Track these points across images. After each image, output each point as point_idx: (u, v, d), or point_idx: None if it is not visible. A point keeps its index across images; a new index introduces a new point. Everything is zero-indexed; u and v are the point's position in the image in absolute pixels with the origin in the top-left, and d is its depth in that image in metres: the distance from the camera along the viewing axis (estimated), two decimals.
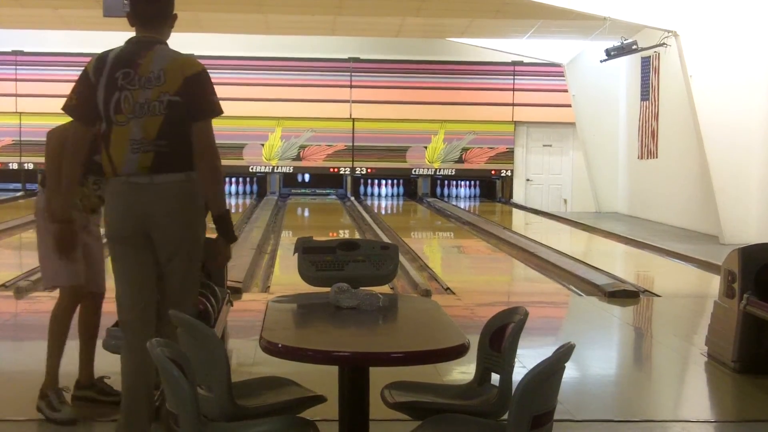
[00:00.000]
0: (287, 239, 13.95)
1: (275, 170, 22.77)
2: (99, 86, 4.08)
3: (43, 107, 20.99)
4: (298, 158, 22.80)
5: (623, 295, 9.03)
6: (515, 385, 2.94)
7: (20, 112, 21.75)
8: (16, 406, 5.07)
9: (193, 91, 4.06)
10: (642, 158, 19.16)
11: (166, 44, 4.19)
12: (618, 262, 13.25)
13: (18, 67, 21.86)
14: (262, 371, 4.52)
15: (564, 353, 2.96)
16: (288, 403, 3.51)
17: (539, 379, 2.89)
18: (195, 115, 4.07)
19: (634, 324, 8.62)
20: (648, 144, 18.73)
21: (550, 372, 2.93)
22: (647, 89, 18.65)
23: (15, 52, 21.79)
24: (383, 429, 4.06)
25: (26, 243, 13.47)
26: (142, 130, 4.03)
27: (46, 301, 8.05)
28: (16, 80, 21.85)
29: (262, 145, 22.41)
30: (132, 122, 4.04)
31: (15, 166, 22.16)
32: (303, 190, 23.61)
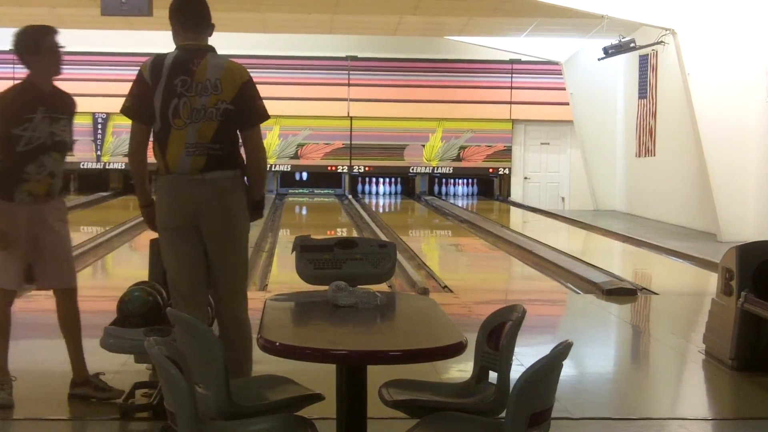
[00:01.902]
0: (285, 238, 13.94)
1: (273, 168, 22.76)
2: (156, 90, 4.36)
3: None
4: (295, 156, 22.80)
5: (621, 292, 9.04)
6: (513, 383, 2.94)
7: None
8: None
9: (245, 99, 4.44)
10: (640, 156, 19.16)
11: (215, 51, 4.52)
12: (616, 259, 13.26)
13: (16, 66, 21.77)
14: (260, 369, 4.51)
15: (562, 351, 2.96)
16: (286, 401, 3.51)
17: (537, 377, 2.89)
18: (247, 122, 4.47)
19: (632, 322, 8.63)
20: (646, 142, 18.74)
21: (547, 370, 2.93)
22: (645, 87, 18.65)
23: (13, 51, 21.70)
24: (381, 427, 4.06)
25: None
26: (198, 134, 4.37)
27: (42, 300, 8.04)
28: (13, 79, 21.75)
29: None
30: (189, 127, 4.36)
31: None
32: (300, 189, 23.60)
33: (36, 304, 7.87)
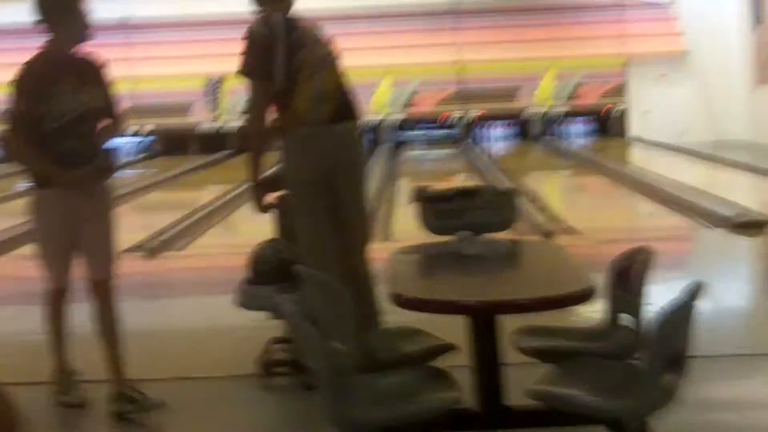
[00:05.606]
0: (404, 187, 13.96)
1: (387, 118, 22.77)
2: (276, 48, 4.47)
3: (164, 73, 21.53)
4: (408, 105, 22.73)
5: (752, 225, 8.75)
6: (646, 325, 2.91)
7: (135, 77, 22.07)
8: (152, 366, 5.20)
9: None
10: (763, 84, 18.51)
11: None
12: (742, 191, 12.87)
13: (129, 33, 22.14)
14: (386, 321, 4.55)
15: (695, 291, 2.90)
16: (421, 352, 3.54)
17: (674, 319, 2.84)
18: None
19: (766, 254, 8.38)
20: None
21: (684, 311, 2.88)
22: (762, 12, 17.95)
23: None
24: (516, 373, 4.06)
25: (150, 205, 13.89)
26: (323, 82, 4.53)
27: (177, 261, 8.27)
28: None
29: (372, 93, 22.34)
30: (315, 77, 4.51)
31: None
32: (416, 135, 23.39)
33: (170, 265, 8.09)
